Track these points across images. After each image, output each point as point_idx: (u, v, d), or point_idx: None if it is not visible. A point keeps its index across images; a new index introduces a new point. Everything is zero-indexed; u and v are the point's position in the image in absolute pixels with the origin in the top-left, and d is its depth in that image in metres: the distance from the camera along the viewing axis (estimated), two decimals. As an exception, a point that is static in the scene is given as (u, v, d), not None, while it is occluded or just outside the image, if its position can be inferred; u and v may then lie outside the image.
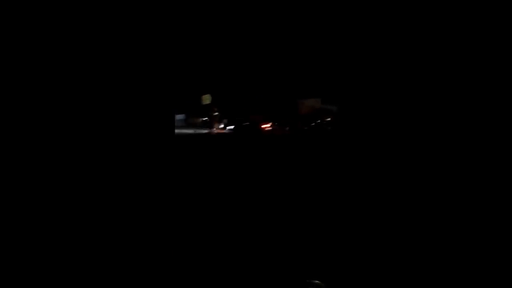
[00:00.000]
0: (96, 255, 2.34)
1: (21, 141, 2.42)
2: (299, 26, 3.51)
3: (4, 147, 2.37)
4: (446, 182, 2.45)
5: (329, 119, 3.55)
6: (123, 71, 2.68)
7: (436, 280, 2.17)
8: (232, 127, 4.06)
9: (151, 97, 2.81)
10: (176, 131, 3.42)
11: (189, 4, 3.19)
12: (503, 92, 2.18)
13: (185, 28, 3.22)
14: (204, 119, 4.25)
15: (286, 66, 3.76)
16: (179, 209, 2.77)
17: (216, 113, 4.21)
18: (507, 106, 2.17)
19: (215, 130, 4.11)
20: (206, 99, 4.09)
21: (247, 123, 4.00)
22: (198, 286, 2.20)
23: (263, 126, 3.82)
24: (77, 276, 2.19)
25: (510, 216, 2.17)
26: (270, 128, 3.78)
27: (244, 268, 2.34)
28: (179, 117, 4.07)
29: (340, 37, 3.37)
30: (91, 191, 2.49)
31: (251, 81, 3.82)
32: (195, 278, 2.22)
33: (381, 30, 2.85)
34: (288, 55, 3.73)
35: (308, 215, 2.77)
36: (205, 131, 4.09)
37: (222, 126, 4.14)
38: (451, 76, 2.46)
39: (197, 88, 3.97)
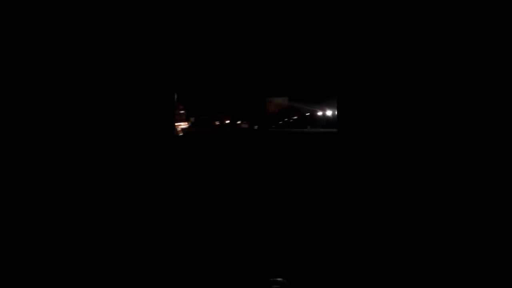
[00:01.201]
0: (95, 253, 2.27)
1: (21, 141, 2.32)
2: (267, 27, 3.55)
3: (4, 147, 2.24)
4: (423, 179, 2.53)
5: (295, 117, 3.65)
6: (123, 72, 2.65)
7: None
8: None
9: (152, 98, 2.79)
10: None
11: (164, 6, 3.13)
12: (503, 92, 2.22)
13: (160, 28, 3.15)
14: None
15: (254, 65, 3.79)
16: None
17: (182, 111, 4.13)
18: (507, 106, 2.21)
19: (178, 128, 4.03)
20: (171, 96, 4.00)
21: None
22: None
23: (177, 124, 3.80)
24: (77, 275, 2.11)
25: (510, 216, 2.19)
26: (187, 126, 3.80)
27: (206, 267, 2.31)
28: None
29: (306, 36, 3.45)
30: (92, 186, 2.44)
31: (220, 79, 3.80)
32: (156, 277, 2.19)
33: (349, 30, 2.93)
34: (256, 55, 3.75)
35: (269, 213, 2.80)
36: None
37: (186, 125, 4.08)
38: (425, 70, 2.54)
39: (163, 86, 3.88)
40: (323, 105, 3.59)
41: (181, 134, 4.07)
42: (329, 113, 3.63)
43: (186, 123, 3.92)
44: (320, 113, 3.62)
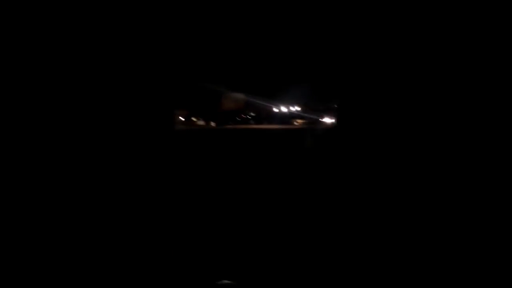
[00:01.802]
0: (96, 251, 2.30)
1: (25, 138, 2.34)
2: (228, 23, 3.42)
3: (4, 147, 2.27)
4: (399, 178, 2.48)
5: (253, 114, 3.48)
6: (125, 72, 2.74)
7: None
8: None
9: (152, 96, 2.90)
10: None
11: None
12: (503, 92, 2.20)
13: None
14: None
15: (212, 60, 3.66)
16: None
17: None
18: (507, 106, 2.18)
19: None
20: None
21: None
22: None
23: None
24: (77, 274, 2.14)
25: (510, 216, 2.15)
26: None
27: (152, 269, 2.28)
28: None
29: (264, 31, 3.32)
30: (93, 185, 2.49)
31: (176, 74, 3.66)
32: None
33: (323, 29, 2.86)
34: (214, 49, 3.62)
35: (217, 215, 2.73)
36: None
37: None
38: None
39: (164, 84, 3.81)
40: (276, 101, 3.46)
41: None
42: (284, 109, 3.51)
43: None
44: (276, 110, 3.48)
